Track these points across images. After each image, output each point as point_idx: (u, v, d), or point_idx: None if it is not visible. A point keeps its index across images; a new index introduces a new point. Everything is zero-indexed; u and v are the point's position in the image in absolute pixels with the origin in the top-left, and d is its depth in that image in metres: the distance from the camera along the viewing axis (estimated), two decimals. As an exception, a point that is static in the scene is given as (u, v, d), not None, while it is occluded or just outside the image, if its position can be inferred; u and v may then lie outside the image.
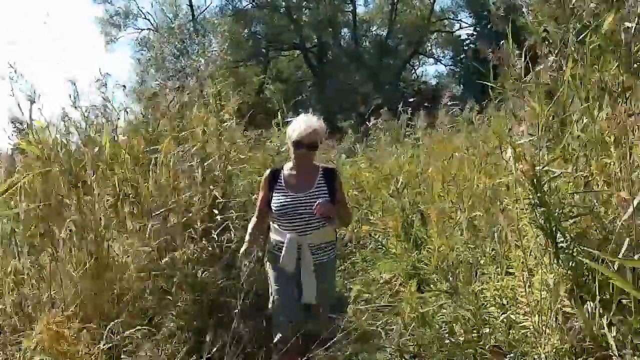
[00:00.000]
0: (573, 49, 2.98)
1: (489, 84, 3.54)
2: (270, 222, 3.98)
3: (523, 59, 3.21)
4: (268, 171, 4.00)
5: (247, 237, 3.95)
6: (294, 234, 3.78)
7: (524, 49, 3.23)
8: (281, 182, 3.89)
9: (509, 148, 2.90)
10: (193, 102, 5.87)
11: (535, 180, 2.72)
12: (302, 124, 3.80)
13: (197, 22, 32.54)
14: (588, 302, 2.51)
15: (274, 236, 3.93)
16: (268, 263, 3.99)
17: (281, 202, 3.82)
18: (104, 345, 3.12)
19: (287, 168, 3.95)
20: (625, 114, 2.62)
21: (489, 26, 29.69)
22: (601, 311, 2.47)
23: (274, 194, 3.85)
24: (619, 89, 2.78)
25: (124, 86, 5.76)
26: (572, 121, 3.02)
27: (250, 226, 3.99)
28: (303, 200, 3.79)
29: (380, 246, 6.55)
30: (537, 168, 2.76)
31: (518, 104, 3.32)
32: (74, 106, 4.90)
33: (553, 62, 3.11)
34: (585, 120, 2.97)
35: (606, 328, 2.42)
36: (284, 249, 3.80)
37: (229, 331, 3.76)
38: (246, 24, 31.93)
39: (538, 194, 2.71)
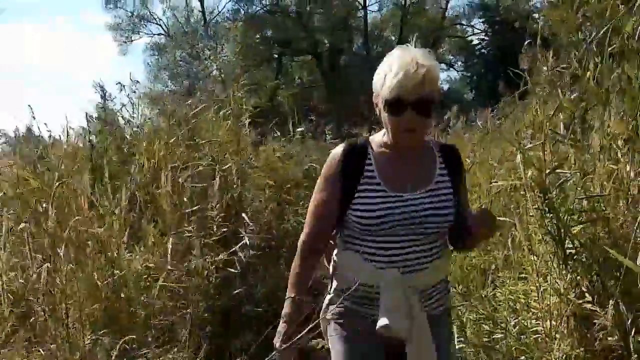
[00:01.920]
0: (595, 50, 2.96)
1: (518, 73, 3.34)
2: (337, 253, 2.34)
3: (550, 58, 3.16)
4: (340, 150, 2.23)
5: (291, 284, 2.28)
6: (396, 271, 2.12)
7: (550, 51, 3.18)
8: (371, 171, 2.17)
9: (519, 153, 2.91)
10: (206, 107, 5.91)
11: (543, 186, 2.73)
12: (401, 63, 2.04)
13: (209, 26, 32.68)
14: (610, 304, 2.49)
15: (345, 274, 2.25)
16: (331, 329, 2.34)
17: (376, 210, 2.12)
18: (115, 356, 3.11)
19: (378, 144, 2.23)
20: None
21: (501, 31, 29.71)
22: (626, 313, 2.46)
23: (357, 194, 2.15)
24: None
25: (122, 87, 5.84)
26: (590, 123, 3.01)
27: (296, 264, 2.29)
28: (415, 206, 2.13)
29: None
30: (545, 172, 2.77)
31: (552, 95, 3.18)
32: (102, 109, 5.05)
33: (572, 66, 3.08)
34: (597, 124, 2.96)
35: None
36: (382, 298, 2.13)
37: (243, 338, 3.78)
38: (258, 29, 32.01)
39: (546, 200, 2.72)
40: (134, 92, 5.85)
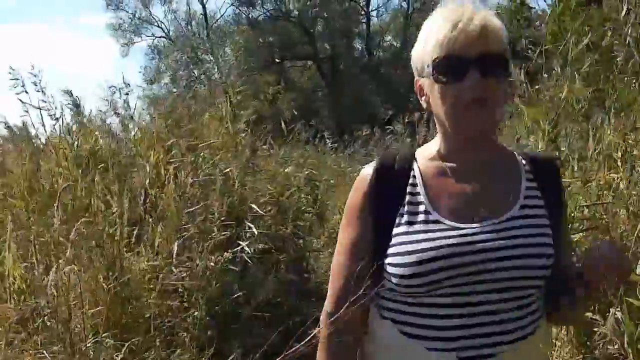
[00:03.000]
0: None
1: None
2: (369, 324, 1.57)
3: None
4: (370, 170, 1.56)
5: None
6: (454, 356, 1.37)
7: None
8: (417, 194, 1.49)
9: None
10: (205, 110, 5.94)
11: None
12: (448, 15, 1.42)
13: (211, 30, 32.77)
14: (611, 311, 2.50)
15: (379, 357, 1.54)
16: None
17: (424, 253, 1.38)
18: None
19: (428, 157, 1.56)
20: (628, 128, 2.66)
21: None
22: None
23: (395, 231, 1.45)
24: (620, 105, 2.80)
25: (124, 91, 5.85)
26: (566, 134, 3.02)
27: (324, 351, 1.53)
28: (486, 243, 1.37)
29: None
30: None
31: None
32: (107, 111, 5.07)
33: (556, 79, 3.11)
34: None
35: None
36: None
37: (243, 341, 3.79)
38: (259, 33, 32.09)
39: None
40: (127, 94, 5.85)
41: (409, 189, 1.49)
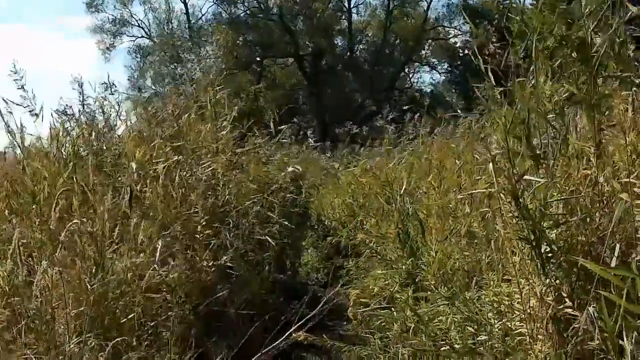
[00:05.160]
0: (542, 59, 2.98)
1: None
2: None
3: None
4: None
5: None
6: None
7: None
8: None
9: (490, 161, 2.93)
10: (188, 109, 5.93)
11: (514, 192, 2.76)
12: None
13: (192, 29, 32.65)
14: (588, 307, 2.53)
15: None
16: None
17: None
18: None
19: None
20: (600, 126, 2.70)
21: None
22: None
23: None
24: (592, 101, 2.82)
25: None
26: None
27: None
28: None
29: (375, 254, 6.56)
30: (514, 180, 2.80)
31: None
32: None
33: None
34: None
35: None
36: None
37: (227, 339, 3.80)
38: (240, 31, 32.03)
39: (519, 207, 2.75)
40: (112, 94, 5.82)
41: None
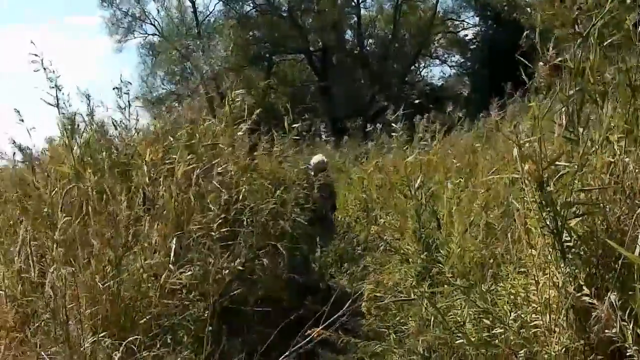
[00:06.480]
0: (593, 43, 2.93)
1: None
2: None
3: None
4: None
5: None
6: None
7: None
8: None
9: (515, 147, 2.89)
10: (202, 108, 5.92)
11: (539, 179, 2.73)
12: None
13: (201, 26, 32.63)
14: (609, 295, 2.48)
15: None
16: None
17: None
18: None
19: None
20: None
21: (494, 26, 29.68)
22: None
23: None
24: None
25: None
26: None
27: None
28: None
29: (390, 248, 6.53)
30: (542, 166, 2.76)
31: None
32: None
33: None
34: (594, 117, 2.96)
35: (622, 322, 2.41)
36: None
37: (242, 338, 3.79)
38: (249, 28, 31.98)
39: (543, 194, 2.72)
40: (127, 93, 5.79)
41: None
